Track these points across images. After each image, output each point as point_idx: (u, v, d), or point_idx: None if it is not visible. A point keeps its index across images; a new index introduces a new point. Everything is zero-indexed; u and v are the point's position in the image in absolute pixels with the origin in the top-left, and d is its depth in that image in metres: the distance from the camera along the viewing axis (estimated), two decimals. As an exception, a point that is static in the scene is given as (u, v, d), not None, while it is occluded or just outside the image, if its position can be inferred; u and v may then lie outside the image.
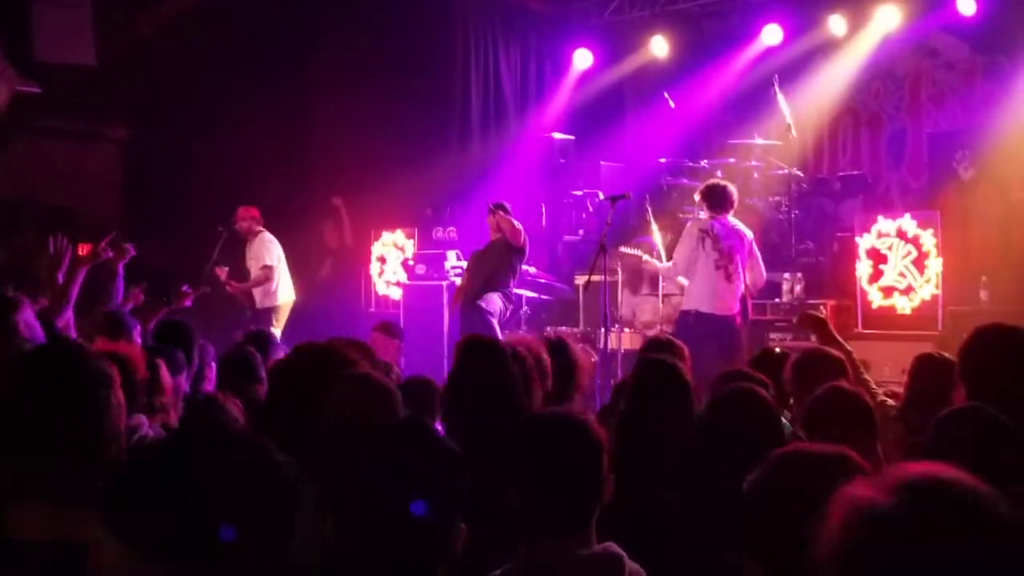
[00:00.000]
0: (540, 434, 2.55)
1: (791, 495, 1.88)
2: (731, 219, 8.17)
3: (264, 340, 5.88)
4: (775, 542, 1.89)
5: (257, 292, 10.20)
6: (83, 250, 11.68)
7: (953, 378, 3.88)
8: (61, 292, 4.84)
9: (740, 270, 8.00)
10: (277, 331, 9.88)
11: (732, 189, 8.27)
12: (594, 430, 2.54)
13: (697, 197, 8.37)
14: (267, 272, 10.11)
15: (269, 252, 10.17)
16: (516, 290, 9.17)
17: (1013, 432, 2.91)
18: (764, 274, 8.40)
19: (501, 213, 8.92)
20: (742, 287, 8.05)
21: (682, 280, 8.15)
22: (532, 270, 9.73)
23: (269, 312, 10.07)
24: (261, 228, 10.33)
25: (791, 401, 4.29)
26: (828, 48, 11.00)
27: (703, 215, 8.29)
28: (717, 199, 8.13)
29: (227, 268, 10.07)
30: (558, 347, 4.49)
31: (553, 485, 2.43)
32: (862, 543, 1.37)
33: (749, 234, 8.23)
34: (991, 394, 3.34)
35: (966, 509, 1.35)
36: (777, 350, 5.51)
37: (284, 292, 10.28)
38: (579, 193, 10.90)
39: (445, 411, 3.84)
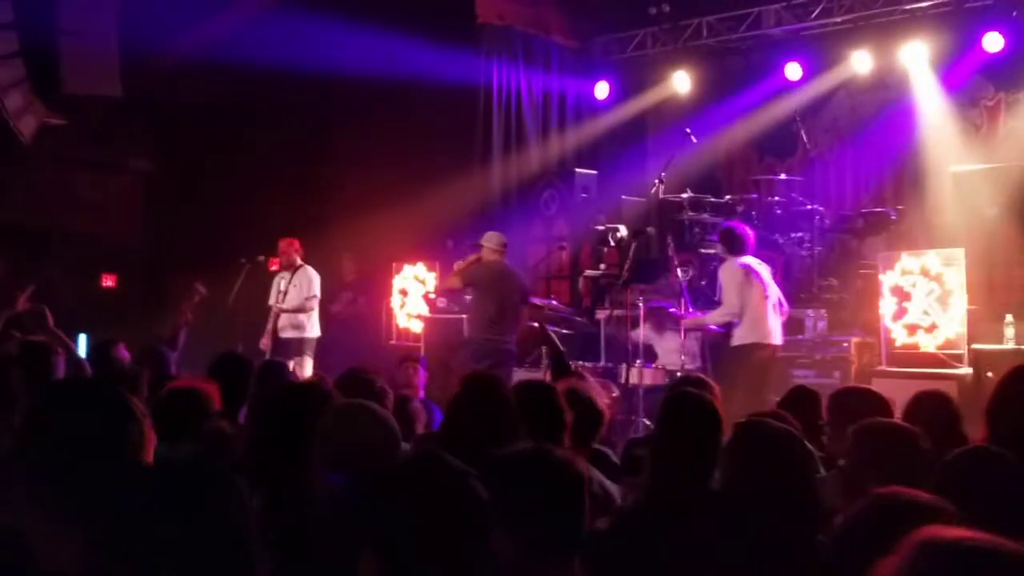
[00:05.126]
0: (514, 466, 2.54)
1: (890, 540, 1.82)
2: (752, 260, 8.20)
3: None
4: None
5: (291, 320, 10.08)
6: (106, 281, 11.81)
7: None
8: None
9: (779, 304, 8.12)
10: (308, 360, 9.82)
11: (748, 232, 8.28)
12: (572, 463, 2.52)
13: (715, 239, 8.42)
14: (312, 303, 10.07)
15: (314, 284, 10.13)
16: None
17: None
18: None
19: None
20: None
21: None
22: (553, 303, 9.69)
23: (301, 343, 9.99)
24: (303, 261, 10.26)
25: (823, 438, 4.25)
26: (852, 84, 10.99)
27: (717, 252, 8.29)
28: (734, 243, 8.17)
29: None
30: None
31: (528, 517, 2.40)
32: None
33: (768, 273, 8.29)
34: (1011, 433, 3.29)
35: None
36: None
37: (317, 326, 10.22)
38: (601, 228, 10.87)
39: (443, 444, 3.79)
